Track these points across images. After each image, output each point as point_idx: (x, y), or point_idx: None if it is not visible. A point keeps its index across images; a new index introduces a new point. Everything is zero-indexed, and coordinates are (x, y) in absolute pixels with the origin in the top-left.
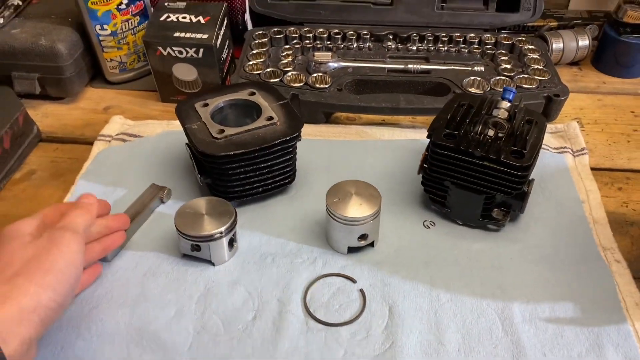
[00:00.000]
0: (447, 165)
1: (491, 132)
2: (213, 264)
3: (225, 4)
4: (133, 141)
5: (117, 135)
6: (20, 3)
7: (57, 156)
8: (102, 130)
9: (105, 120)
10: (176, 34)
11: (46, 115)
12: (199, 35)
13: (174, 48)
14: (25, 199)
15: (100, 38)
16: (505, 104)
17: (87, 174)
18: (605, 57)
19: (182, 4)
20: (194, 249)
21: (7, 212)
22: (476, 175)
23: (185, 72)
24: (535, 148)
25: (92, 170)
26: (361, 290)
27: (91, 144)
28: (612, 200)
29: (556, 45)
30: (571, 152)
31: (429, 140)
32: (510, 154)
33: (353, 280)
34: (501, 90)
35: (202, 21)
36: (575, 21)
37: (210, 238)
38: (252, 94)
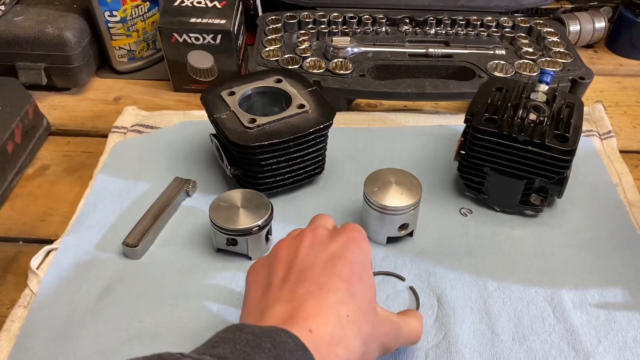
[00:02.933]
0: (487, 150)
1: (533, 116)
2: (250, 258)
3: None
4: (150, 133)
5: (132, 126)
6: None
7: (69, 150)
8: (115, 122)
9: (116, 111)
10: (192, 20)
11: (54, 107)
12: (216, 21)
13: (191, 34)
14: (42, 195)
15: (109, 25)
16: (544, 87)
17: (105, 168)
18: (621, 39)
19: None
20: (229, 244)
21: (25, 209)
22: (518, 161)
23: (201, 60)
24: (578, 131)
25: (110, 164)
26: (411, 288)
27: (104, 136)
28: None
29: (573, 27)
30: (598, 135)
31: (462, 125)
32: (554, 138)
33: (402, 279)
34: (527, 73)
35: (219, 6)
36: (590, 3)
37: (248, 232)
38: (279, 81)
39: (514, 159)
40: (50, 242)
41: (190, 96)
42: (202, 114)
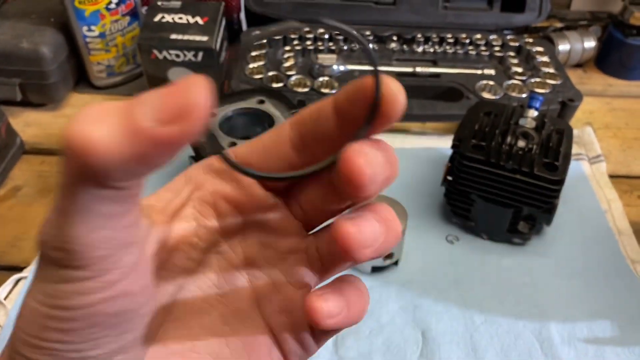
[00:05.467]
0: (475, 178)
1: (521, 144)
2: None
3: (222, 2)
4: None
5: None
6: None
7: (44, 170)
8: None
9: None
10: (173, 36)
11: (28, 125)
12: (198, 38)
13: (171, 51)
14: (13, 218)
15: (87, 40)
16: (533, 113)
17: None
18: (611, 59)
19: (177, 4)
20: None
21: None
22: (506, 189)
23: (181, 77)
24: (568, 160)
25: None
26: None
27: None
28: (634, 209)
29: (562, 46)
30: (587, 159)
31: (449, 149)
32: (543, 167)
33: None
34: (516, 95)
35: (201, 22)
36: (580, 22)
37: None
38: (262, 102)
39: (502, 187)
40: (21, 269)
41: None
42: None
